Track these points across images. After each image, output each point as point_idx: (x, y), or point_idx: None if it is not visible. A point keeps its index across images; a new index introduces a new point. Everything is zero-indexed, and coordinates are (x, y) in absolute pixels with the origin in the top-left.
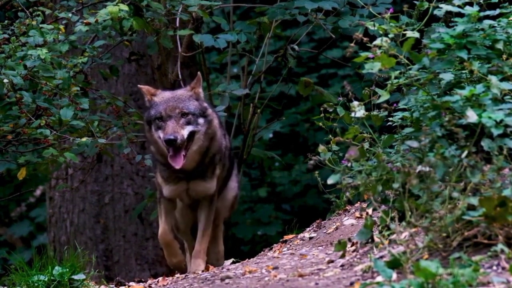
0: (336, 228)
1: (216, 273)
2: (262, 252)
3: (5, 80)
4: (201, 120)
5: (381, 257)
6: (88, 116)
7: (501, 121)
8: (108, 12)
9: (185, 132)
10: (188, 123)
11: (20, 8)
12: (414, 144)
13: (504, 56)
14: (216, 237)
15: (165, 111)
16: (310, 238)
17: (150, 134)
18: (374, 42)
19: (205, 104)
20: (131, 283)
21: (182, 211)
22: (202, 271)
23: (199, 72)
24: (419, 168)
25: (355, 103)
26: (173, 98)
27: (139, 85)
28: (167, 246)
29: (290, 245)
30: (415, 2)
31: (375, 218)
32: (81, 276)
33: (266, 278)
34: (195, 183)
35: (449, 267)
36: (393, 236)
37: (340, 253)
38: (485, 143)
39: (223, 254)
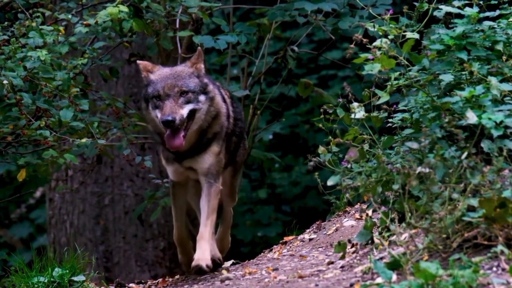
0: (336, 230)
1: (216, 275)
2: (262, 254)
3: (5, 82)
4: (202, 98)
5: (381, 258)
6: (88, 118)
7: (501, 122)
8: (108, 14)
9: (185, 111)
10: (188, 101)
11: (20, 10)
12: (414, 145)
13: (504, 57)
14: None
15: (163, 89)
16: (310, 239)
17: (147, 112)
18: (374, 43)
19: (206, 80)
20: (131, 285)
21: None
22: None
23: (199, 47)
24: (419, 169)
25: (355, 104)
26: (172, 75)
27: (137, 61)
28: (180, 245)
29: (290, 247)
30: (415, 3)
31: (375, 219)
32: (81, 278)
33: (266, 280)
34: (190, 160)
35: (449, 268)
36: (393, 237)
37: (340, 254)
38: (485, 144)
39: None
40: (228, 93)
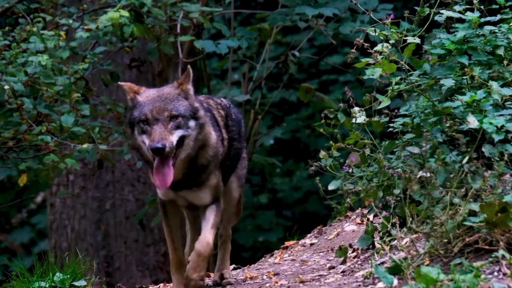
0: (337, 234)
1: (217, 279)
2: (263, 258)
3: (6, 87)
4: (192, 123)
5: (382, 263)
6: (89, 123)
7: (502, 126)
8: (109, 18)
9: (174, 138)
10: (178, 127)
11: (21, 15)
12: (415, 150)
13: (505, 62)
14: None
15: (151, 113)
16: (311, 244)
17: (134, 138)
18: (375, 48)
19: (197, 105)
20: None
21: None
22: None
23: (189, 66)
24: (420, 174)
25: (356, 109)
26: (160, 98)
27: (119, 83)
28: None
29: (291, 251)
30: (416, 8)
31: (376, 224)
32: (82, 283)
33: (267, 284)
34: (186, 192)
35: (450, 273)
36: (394, 242)
37: (341, 259)
38: (486, 149)
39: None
40: (223, 111)
